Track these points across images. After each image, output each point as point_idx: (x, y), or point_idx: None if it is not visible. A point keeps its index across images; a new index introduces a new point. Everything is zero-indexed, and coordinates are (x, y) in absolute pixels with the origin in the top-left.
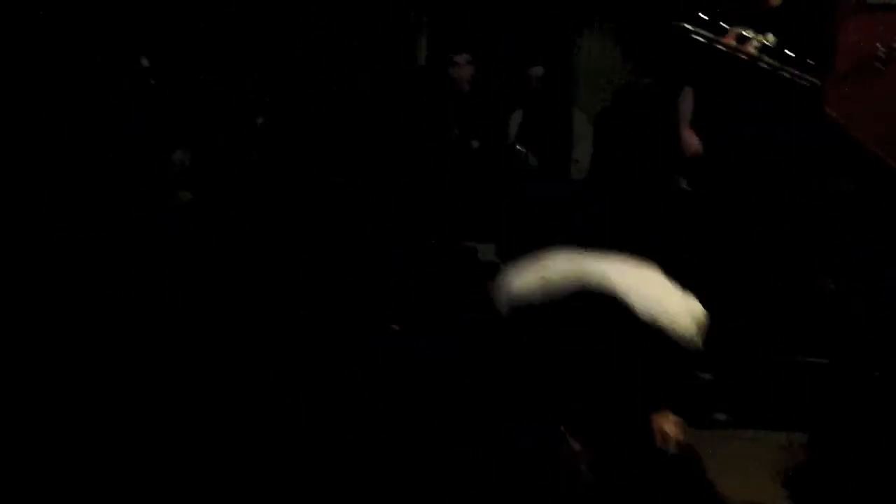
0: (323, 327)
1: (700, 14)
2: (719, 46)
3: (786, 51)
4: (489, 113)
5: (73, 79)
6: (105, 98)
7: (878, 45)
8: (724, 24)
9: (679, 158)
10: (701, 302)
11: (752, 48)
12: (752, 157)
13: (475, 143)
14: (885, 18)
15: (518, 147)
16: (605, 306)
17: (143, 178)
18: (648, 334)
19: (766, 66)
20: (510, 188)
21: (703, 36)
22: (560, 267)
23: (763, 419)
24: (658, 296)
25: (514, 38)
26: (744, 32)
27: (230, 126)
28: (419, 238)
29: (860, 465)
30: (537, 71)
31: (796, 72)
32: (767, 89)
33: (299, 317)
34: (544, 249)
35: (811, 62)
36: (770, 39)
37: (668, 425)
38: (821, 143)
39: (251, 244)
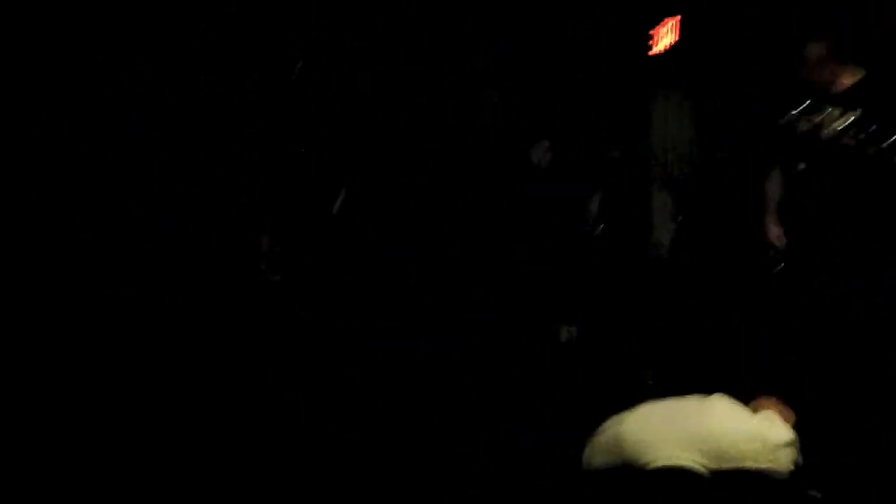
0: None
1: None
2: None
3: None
4: (571, 195)
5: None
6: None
7: None
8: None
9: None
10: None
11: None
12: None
13: (556, 225)
14: None
15: (599, 227)
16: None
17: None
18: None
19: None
20: (590, 273)
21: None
22: (636, 447)
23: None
24: (729, 451)
25: (591, 119)
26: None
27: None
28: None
29: None
30: (616, 151)
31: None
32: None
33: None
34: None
35: None
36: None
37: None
38: None
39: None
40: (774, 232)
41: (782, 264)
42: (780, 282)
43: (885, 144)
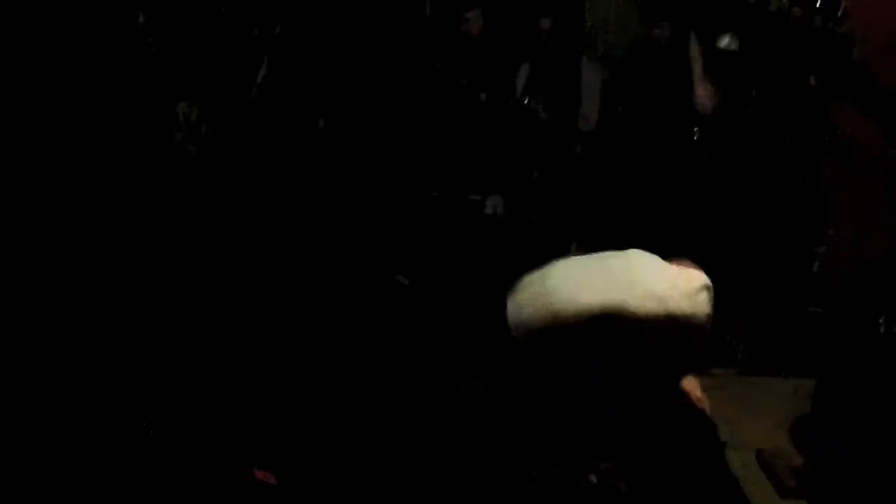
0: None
1: None
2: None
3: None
4: (498, 66)
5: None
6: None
7: None
8: None
9: (692, 112)
10: (711, 252)
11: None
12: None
13: (483, 96)
14: None
15: (527, 100)
16: (615, 333)
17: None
18: (658, 334)
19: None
20: (518, 141)
21: None
22: (564, 295)
23: (772, 367)
24: (655, 291)
25: None
26: None
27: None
28: (425, 190)
29: (863, 412)
30: (546, 23)
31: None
32: (798, 40)
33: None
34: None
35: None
36: None
37: (694, 389)
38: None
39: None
40: (701, 93)
41: (699, 131)
42: (704, 155)
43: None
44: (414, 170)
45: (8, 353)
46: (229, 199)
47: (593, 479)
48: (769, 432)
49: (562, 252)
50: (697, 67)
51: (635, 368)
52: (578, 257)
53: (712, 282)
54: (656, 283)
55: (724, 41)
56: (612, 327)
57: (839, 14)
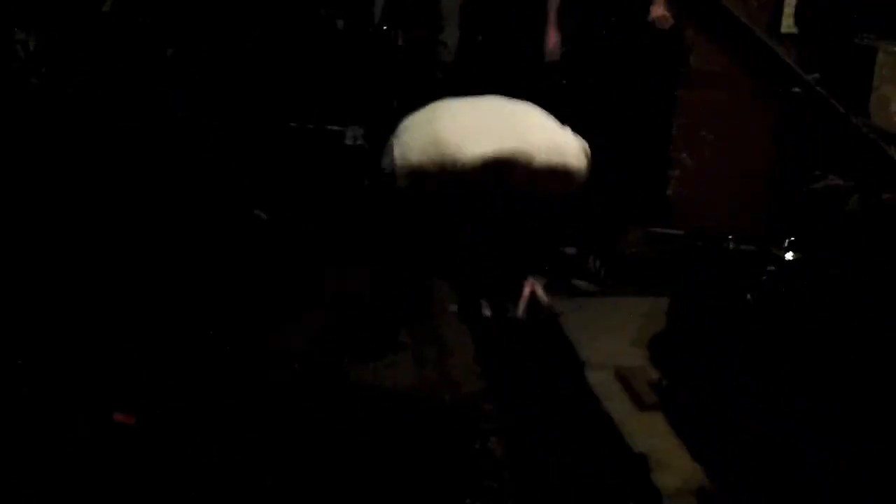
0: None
1: None
2: None
3: None
4: None
5: None
6: None
7: None
8: None
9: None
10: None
11: None
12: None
13: (340, 24)
14: None
15: (384, 28)
16: (507, 169)
17: None
18: (547, 179)
19: None
20: (377, 69)
21: None
22: (457, 140)
23: (627, 286)
24: (550, 140)
25: None
26: None
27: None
28: (284, 121)
29: (715, 328)
30: None
31: None
32: None
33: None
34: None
35: None
36: None
37: (537, 290)
38: None
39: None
40: (553, 40)
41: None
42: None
43: None
44: (271, 100)
45: None
46: (78, 136)
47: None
48: (627, 350)
49: None
50: (552, 14)
51: (523, 216)
52: (460, 100)
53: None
54: (554, 134)
55: None
56: (511, 174)
57: None
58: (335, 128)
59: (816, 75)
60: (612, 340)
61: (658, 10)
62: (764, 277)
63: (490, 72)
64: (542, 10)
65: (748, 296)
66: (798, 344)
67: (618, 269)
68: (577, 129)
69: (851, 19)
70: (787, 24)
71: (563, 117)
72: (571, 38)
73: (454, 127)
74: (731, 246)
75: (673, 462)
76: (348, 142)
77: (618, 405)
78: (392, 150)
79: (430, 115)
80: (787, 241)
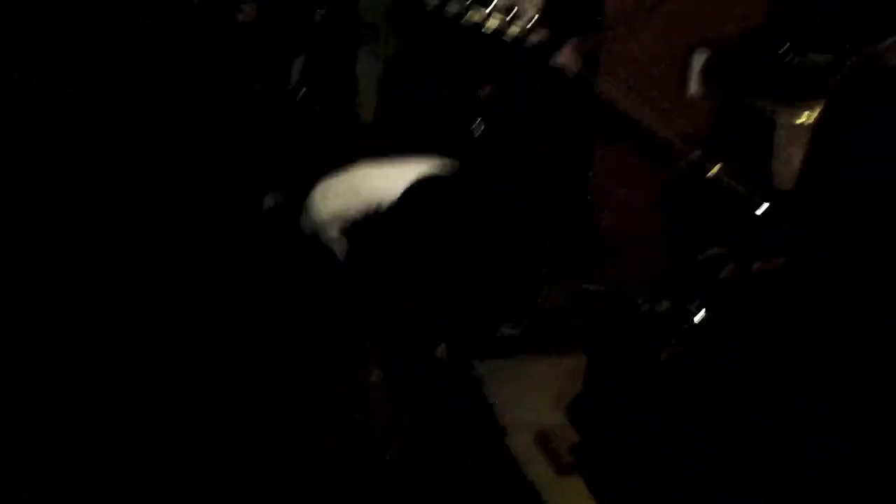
0: None
1: None
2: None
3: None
4: (273, 56)
5: None
6: None
7: None
8: None
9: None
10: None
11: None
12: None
13: (258, 87)
14: None
15: (302, 92)
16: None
17: None
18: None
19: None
20: (295, 133)
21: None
22: (375, 181)
23: (548, 345)
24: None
25: None
26: None
27: None
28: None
29: (630, 388)
30: (319, 13)
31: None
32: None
33: None
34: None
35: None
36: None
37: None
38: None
39: None
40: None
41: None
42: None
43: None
44: (186, 165)
45: None
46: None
47: None
48: (548, 411)
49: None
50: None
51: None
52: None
53: (493, 266)
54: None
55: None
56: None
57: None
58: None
59: (699, 152)
60: (533, 401)
61: (564, 57)
62: (676, 338)
63: (410, 131)
64: (457, 68)
65: (661, 355)
66: (711, 406)
67: (540, 326)
68: (498, 184)
69: (752, 83)
70: (694, 87)
71: (484, 172)
72: (489, 92)
73: (374, 174)
74: (646, 304)
75: None
76: (266, 207)
77: (537, 469)
78: (311, 208)
79: (346, 171)
80: (696, 301)
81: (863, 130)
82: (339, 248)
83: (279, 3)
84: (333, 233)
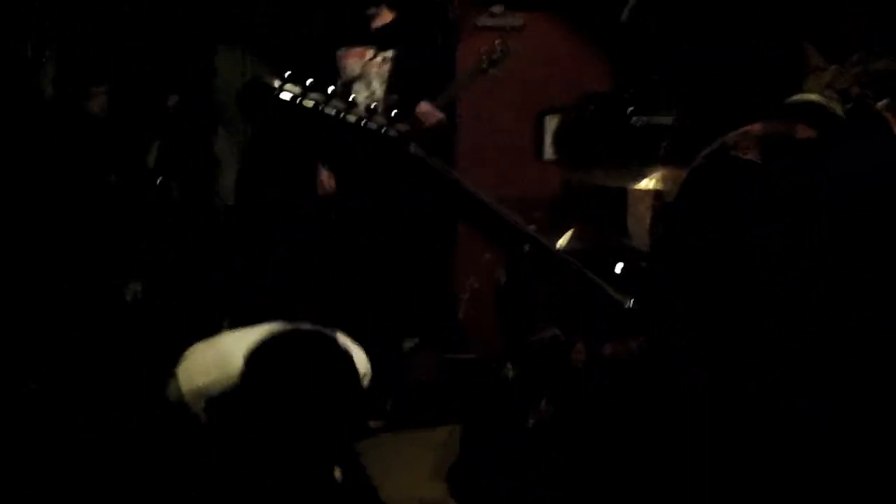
0: None
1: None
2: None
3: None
4: (127, 145)
5: None
6: None
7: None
8: None
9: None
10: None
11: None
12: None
13: (113, 178)
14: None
15: (158, 178)
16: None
17: None
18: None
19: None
20: (153, 221)
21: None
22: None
23: (420, 419)
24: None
25: (150, 66)
26: None
27: None
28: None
29: (506, 453)
30: (174, 99)
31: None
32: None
33: None
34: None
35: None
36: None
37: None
38: None
39: None
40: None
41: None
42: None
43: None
44: (49, 256)
45: None
46: None
47: None
48: (427, 484)
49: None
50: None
51: None
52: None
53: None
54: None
55: None
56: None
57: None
58: (115, 283)
59: (533, 226)
60: (411, 475)
61: (422, 108)
62: (542, 404)
63: (269, 215)
64: (316, 149)
65: (529, 422)
66: (583, 475)
67: (410, 399)
68: (362, 258)
69: (600, 146)
70: (548, 152)
71: (346, 249)
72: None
73: (238, 344)
74: (511, 371)
75: None
76: (128, 297)
77: None
78: (176, 379)
79: (209, 341)
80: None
81: (711, 218)
82: (204, 420)
83: (131, 91)
84: (198, 408)
